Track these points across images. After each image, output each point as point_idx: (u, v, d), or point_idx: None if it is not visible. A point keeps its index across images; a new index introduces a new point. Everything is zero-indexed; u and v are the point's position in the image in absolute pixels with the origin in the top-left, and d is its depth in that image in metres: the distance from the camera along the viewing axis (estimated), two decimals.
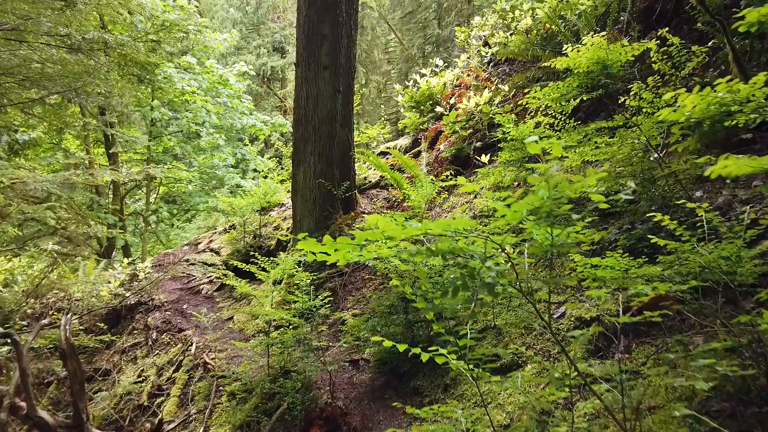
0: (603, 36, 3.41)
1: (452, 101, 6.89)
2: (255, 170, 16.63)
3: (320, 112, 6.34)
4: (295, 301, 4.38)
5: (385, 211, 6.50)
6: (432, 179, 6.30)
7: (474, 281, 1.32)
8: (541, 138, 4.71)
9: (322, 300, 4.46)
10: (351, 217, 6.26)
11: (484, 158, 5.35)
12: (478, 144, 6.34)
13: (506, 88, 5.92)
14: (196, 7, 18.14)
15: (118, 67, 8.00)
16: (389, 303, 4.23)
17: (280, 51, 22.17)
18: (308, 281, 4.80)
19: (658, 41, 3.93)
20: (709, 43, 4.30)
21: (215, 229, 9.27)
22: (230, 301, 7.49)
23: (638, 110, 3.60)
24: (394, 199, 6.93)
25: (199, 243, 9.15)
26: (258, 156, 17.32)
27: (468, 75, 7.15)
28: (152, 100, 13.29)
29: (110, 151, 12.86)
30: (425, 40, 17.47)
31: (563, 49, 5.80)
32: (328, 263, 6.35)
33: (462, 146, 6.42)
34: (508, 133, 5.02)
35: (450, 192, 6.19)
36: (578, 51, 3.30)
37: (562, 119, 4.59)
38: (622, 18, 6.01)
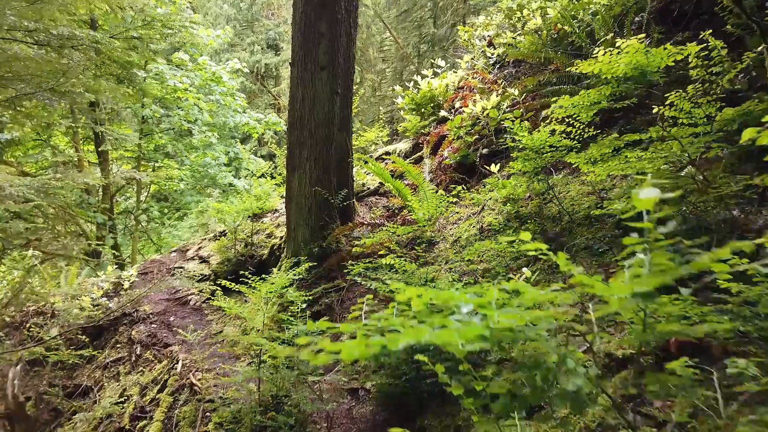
0: (640, 39, 3.03)
1: (456, 105, 6.51)
2: (248, 169, 16.29)
3: (317, 115, 5.94)
4: (288, 327, 3.98)
5: (385, 222, 6.11)
6: (436, 190, 5.92)
7: (547, 387, 0.95)
8: (557, 148, 4.34)
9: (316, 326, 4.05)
10: (349, 227, 5.87)
11: (494, 168, 4.98)
12: (485, 151, 5.97)
13: (515, 92, 5.55)
14: (189, 2, 17.91)
15: (95, 67, 7.55)
16: None
17: (274, 48, 21.73)
18: (302, 302, 4.41)
19: (684, 44, 3.56)
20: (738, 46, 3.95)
21: (206, 233, 8.84)
22: (220, 313, 7.08)
23: (674, 121, 3.23)
24: (393, 207, 6.54)
25: (188, 249, 8.72)
26: (252, 156, 16.94)
27: (473, 77, 6.77)
28: (143, 98, 12.96)
29: (99, 149, 12.52)
30: (420, 39, 17.48)
31: (582, 51, 5.45)
32: (322, 275, 5.92)
33: (467, 153, 6.04)
34: (519, 141, 4.66)
35: (455, 201, 5.82)
36: (611, 54, 2.93)
37: (581, 127, 4.23)
38: (638, 19, 5.64)
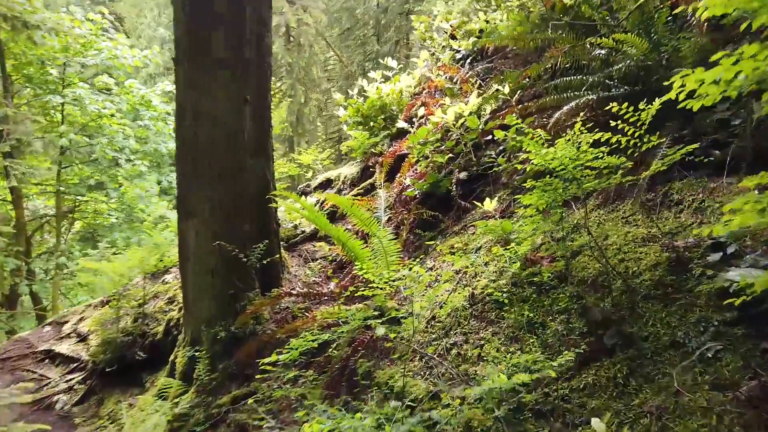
0: None
1: (419, 113, 4.71)
2: None
3: (217, 134, 4.02)
4: None
5: (328, 284, 4.23)
6: (395, 234, 4.09)
7: None
8: (597, 170, 2.60)
9: None
10: (273, 298, 3.92)
11: (489, 204, 3.20)
12: (462, 175, 4.20)
13: (506, 88, 3.81)
14: (118, 25, 16.71)
15: None
16: None
17: None
18: None
19: None
20: None
21: (92, 296, 6.64)
22: (95, 422, 4.92)
23: None
24: (339, 259, 4.64)
25: (67, 321, 6.50)
26: None
27: (437, 75, 5.03)
28: (61, 125, 11.71)
29: (10, 185, 11.04)
30: (365, 57, 17.14)
31: (596, 26, 3.80)
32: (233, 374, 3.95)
33: (438, 178, 4.26)
34: (528, 160, 2.91)
35: (426, 250, 3.98)
36: None
37: (635, 133, 2.51)
38: None
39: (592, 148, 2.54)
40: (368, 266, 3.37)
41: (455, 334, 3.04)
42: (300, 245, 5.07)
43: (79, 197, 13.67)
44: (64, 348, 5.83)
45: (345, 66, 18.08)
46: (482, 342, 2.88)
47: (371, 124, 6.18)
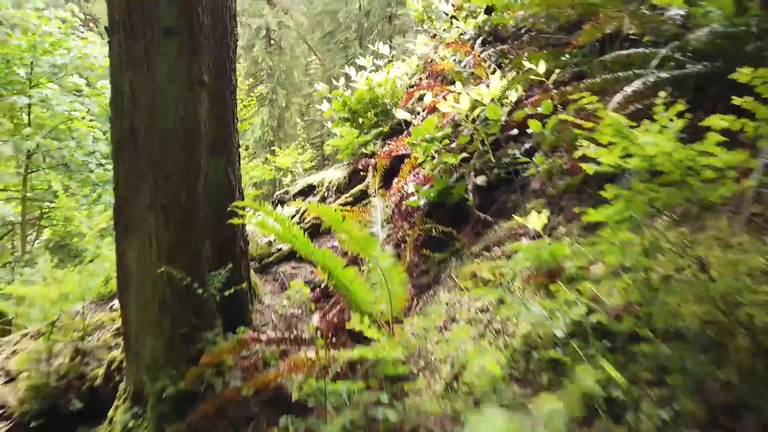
0: None
1: (424, 101, 3.78)
2: None
3: (161, 124, 3.06)
4: None
5: (311, 318, 3.32)
6: (396, 254, 3.19)
7: None
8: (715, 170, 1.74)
9: None
10: (238, 344, 2.97)
11: (535, 219, 2.32)
12: (480, 180, 3.30)
13: (541, 67, 2.93)
14: (94, 26, 16.47)
15: None
16: None
17: None
18: None
19: None
20: None
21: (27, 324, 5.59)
22: None
23: None
24: (324, 285, 3.71)
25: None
26: None
27: (443, 58, 4.13)
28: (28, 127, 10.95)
29: None
30: (347, 61, 16.73)
31: None
32: None
33: (448, 184, 3.36)
34: (580, 160, 2.04)
35: (437, 278, 3.07)
36: None
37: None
38: None
39: (706, 142, 1.67)
40: (363, 304, 2.46)
41: (490, 405, 2.14)
42: (275, 266, 4.12)
43: (48, 203, 12.89)
44: None
45: (327, 70, 17.73)
46: None
47: (360, 120, 5.28)
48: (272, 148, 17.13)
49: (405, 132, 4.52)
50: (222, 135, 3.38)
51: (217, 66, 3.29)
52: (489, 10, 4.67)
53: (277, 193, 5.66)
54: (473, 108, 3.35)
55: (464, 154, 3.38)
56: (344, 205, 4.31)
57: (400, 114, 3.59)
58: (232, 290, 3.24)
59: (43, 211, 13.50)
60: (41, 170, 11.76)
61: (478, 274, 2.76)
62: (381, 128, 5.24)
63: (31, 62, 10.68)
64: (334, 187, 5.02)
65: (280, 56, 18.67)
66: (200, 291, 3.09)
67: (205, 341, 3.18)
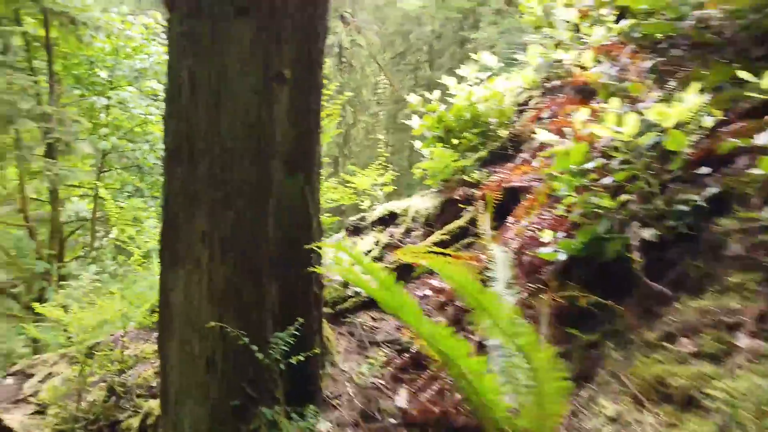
0: None
1: (574, 120, 2.85)
2: None
3: (227, 125, 2.35)
4: None
5: (398, 401, 2.48)
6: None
7: None
8: None
9: None
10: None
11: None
12: (649, 234, 2.35)
13: (766, 81, 2.01)
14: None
15: None
16: None
17: None
18: None
19: None
20: None
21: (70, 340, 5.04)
22: None
23: None
24: (415, 350, 2.85)
25: (33, 374, 4.95)
26: None
27: (583, 68, 3.24)
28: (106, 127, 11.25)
29: (45, 185, 10.63)
30: (416, 83, 16.60)
31: None
32: None
33: (599, 233, 2.45)
34: None
35: (590, 369, 2.16)
36: None
37: None
38: None
39: None
40: (495, 412, 1.60)
41: None
42: (351, 315, 3.31)
43: (118, 203, 13.25)
44: (16, 421, 4.23)
45: (395, 90, 17.49)
46: None
47: (456, 140, 4.46)
48: (337, 167, 16.83)
49: (520, 159, 3.65)
50: (302, 146, 2.63)
51: (302, 58, 2.55)
52: (620, 17, 3.80)
53: (351, 219, 4.91)
54: (640, 134, 2.44)
55: (626, 197, 2.46)
56: (439, 244, 3.46)
57: (542, 136, 2.74)
58: (304, 356, 2.44)
59: (108, 211, 13.78)
60: (114, 170, 12.04)
61: (668, 382, 1.83)
62: (480, 152, 4.40)
63: (113, 65, 10.96)
64: (423, 218, 4.18)
65: (350, 74, 18.84)
66: (260, 355, 2.32)
67: (262, 419, 2.39)
